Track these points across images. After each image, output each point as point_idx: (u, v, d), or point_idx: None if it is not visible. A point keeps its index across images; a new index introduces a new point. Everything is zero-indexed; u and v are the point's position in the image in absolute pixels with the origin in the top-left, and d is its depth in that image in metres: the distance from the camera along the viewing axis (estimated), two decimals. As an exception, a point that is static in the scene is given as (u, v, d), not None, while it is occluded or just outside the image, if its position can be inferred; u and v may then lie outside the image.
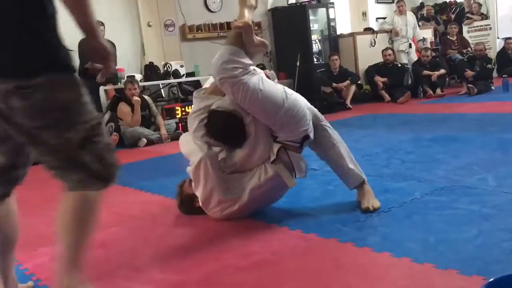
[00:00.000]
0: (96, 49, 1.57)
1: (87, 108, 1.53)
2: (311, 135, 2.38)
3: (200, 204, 2.43)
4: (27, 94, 1.38)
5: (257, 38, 2.25)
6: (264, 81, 2.23)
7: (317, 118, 2.50)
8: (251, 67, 2.23)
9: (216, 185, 2.32)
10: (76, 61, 6.13)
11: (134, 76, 6.32)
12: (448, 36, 8.98)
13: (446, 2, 10.78)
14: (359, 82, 7.83)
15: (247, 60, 2.20)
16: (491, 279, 1.31)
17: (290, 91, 2.34)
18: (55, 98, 1.44)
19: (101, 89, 6.44)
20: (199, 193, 2.39)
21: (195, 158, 2.35)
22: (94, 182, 1.51)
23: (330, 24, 8.38)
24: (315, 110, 2.54)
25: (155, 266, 1.98)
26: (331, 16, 8.41)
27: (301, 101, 2.38)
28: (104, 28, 6.43)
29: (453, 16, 10.01)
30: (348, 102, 7.24)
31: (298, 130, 2.30)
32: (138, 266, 2.01)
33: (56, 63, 1.46)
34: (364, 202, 2.38)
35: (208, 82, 2.59)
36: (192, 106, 2.54)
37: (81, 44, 6.42)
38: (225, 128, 2.34)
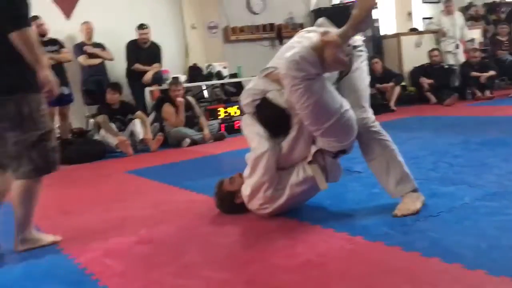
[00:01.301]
0: (41, 78, 2.29)
1: (43, 119, 2.31)
2: (349, 150, 2.38)
3: (248, 193, 2.44)
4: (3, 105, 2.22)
5: (340, 57, 2.16)
6: (326, 90, 2.19)
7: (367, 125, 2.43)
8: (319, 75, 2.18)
9: (271, 180, 2.37)
10: (123, 63, 6.27)
11: (178, 77, 6.44)
12: (498, 37, 8.68)
13: (495, 1, 10.42)
14: (403, 83, 7.69)
15: (316, 70, 2.13)
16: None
17: (347, 105, 2.26)
18: (21, 110, 2.23)
19: (147, 90, 6.60)
20: (251, 181, 2.41)
21: (260, 147, 2.37)
22: (35, 174, 2.30)
23: (373, 24, 8.28)
24: (368, 117, 2.45)
25: (202, 263, 2.02)
26: (375, 17, 8.31)
27: (353, 118, 2.30)
28: (148, 30, 6.59)
29: (503, 16, 9.66)
30: (392, 104, 7.13)
31: (337, 144, 2.30)
32: (185, 262, 2.05)
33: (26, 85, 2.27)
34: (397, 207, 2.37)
35: (275, 61, 2.48)
36: (253, 80, 2.55)
37: (128, 47, 6.64)
38: (271, 119, 2.39)
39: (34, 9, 6.16)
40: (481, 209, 2.32)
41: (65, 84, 5.89)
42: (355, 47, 2.46)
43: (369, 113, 2.46)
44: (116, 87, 5.91)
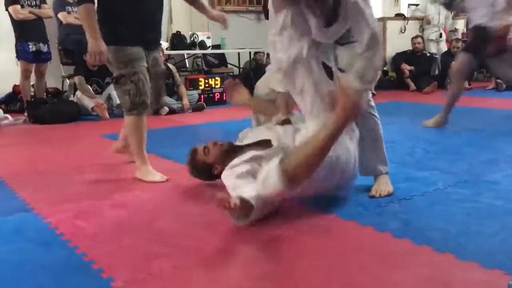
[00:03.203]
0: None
1: (114, 66, 2.74)
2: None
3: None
4: None
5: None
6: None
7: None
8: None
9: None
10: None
11: (160, 43, 6.31)
12: (480, 29, 8.76)
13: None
14: (385, 68, 7.73)
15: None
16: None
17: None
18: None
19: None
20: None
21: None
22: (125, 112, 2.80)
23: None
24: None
25: (175, 231, 2.01)
26: None
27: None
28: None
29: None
30: (372, 87, 7.15)
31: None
32: (158, 229, 2.03)
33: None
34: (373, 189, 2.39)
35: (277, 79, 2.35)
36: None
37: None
38: None
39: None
40: (453, 195, 2.37)
41: (44, 41, 5.71)
42: None
43: None
44: None
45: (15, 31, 5.58)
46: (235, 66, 7.73)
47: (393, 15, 8.68)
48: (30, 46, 5.54)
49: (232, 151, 2.43)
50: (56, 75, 6.39)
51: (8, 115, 5.25)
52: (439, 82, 7.40)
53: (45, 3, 5.77)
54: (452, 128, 4.19)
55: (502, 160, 3.00)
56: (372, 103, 2.45)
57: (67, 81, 6.30)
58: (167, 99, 5.81)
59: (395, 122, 4.67)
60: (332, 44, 2.29)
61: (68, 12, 6.14)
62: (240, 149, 2.41)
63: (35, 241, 1.95)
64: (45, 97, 5.88)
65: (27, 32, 5.53)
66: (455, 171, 2.80)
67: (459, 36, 8.42)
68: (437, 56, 7.92)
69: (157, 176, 2.81)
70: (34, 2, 5.62)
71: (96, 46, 2.54)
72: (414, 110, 5.53)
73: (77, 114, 5.41)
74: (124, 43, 2.68)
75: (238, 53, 7.56)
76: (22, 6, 5.49)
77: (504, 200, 2.27)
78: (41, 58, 5.66)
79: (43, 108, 5.28)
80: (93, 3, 2.58)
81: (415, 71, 7.47)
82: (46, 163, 3.38)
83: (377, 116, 2.46)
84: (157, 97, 3.03)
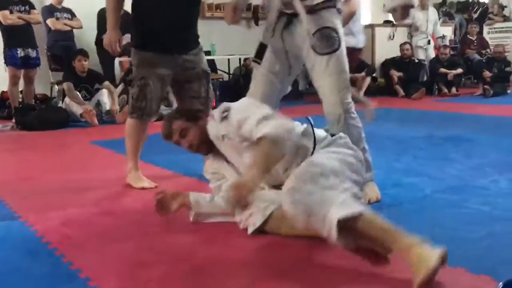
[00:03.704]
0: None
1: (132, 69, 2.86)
2: None
3: None
4: None
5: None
6: None
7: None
8: None
9: None
10: (93, 30, 6.13)
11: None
12: (468, 36, 8.87)
13: (468, 0, 10.63)
14: (374, 74, 7.78)
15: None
16: (507, 280, 1.31)
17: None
18: None
19: (116, 60, 6.43)
20: None
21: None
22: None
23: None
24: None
25: (164, 241, 2.00)
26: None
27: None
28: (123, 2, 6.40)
29: (474, 16, 9.88)
30: (361, 93, 7.20)
31: None
32: (146, 239, 2.02)
33: None
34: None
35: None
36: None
37: (99, 15, 6.43)
38: None
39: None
40: (441, 201, 2.39)
41: (33, 46, 5.68)
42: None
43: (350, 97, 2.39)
44: (86, 54, 5.74)
45: (3, 36, 5.55)
46: (225, 72, 7.74)
47: (381, 22, 8.75)
48: (18, 52, 5.51)
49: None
50: (44, 81, 6.35)
51: (-5, 122, 5.21)
52: (428, 88, 7.47)
53: (34, 8, 5.74)
54: (440, 134, 4.23)
55: (489, 166, 3.03)
56: (355, 114, 2.40)
57: (56, 87, 6.27)
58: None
59: (384, 128, 4.69)
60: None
61: (57, 18, 6.13)
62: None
63: (22, 249, 1.93)
64: (33, 103, 5.84)
65: (15, 38, 5.50)
66: (443, 177, 2.82)
67: (447, 43, 8.51)
68: (425, 63, 8.00)
69: (146, 183, 2.79)
70: (23, 8, 5.59)
71: (109, 36, 2.68)
72: (403, 116, 5.57)
73: (66, 120, 5.38)
74: (139, 47, 2.71)
75: (228, 59, 7.57)
76: (11, 12, 5.47)
77: (491, 205, 2.28)
78: (29, 64, 5.63)
79: (31, 115, 5.24)
80: None
81: (404, 77, 7.54)
82: (34, 170, 3.35)
83: (360, 125, 2.42)
84: (191, 101, 2.82)
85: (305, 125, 2.04)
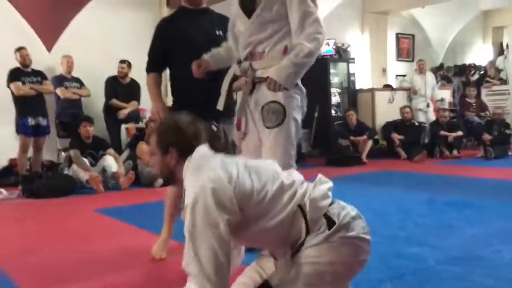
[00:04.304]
0: None
1: None
2: None
3: None
4: None
5: None
6: None
7: None
8: None
9: None
10: (102, 98, 6.32)
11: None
12: (466, 98, 9.07)
13: (465, 64, 10.95)
14: (375, 137, 7.90)
15: None
16: None
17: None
18: None
19: (123, 126, 6.60)
20: None
21: None
22: None
23: (350, 78, 8.58)
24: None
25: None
26: (351, 71, 8.63)
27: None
28: (130, 68, 6.67)
29: (472, 79, 10.15)
30: (364, 156, 7.29)
31: None
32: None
33: None
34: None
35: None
36: None
37: (107, 82, 6.67)
38: None
39: (20, 39, 6.24)
40: (444, 273, 2.38)
41: (44, 115, 5.87)
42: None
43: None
44: (91, 120, 5.92)
45: (15, 106, 5.74)
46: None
47: (381, 86, 8.98)
48: (29, 121, 5.68)
49: None
50: (52, 147, 6.48)
51: (2, 190, 5.26)
52: (429, 151, 7.55)
53: (46, 79, 5.97)
54: (442, 199, 4.25)
55: (492, 234, 3.03)
56: None
57: (63, 154, 6.38)
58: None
59: (387, 193, 4.74)
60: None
61: (66, 87, 6.35)
62: None
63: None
64: (40, 170, 5.92)
65: (27, 107, 5.69)
66: (446, 246, 2.82)
67: (446, 106, 8.69)
68: (425, 125, 8.13)
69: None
70: (35, 79, 5.82)
71: (154, 107, 2.85)
72: (405, 180, 5.61)
73: (72, 187, 5.43)
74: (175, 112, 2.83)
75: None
76: (23, 83, 5.69)
77: (495, 278, 2.28)
78: (39, 132, 5.80)
79: (38, 182, 5.30)
80: (157, 71, 2.85)
81: (405, 140, 7.64)
82: (38, 242, 3.37)
83: None
84: None
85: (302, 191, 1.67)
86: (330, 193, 1.68)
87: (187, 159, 1.67)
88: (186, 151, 1.69)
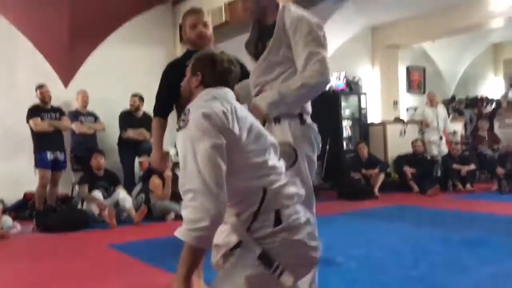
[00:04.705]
0: None
1: None
2: None
3: None
4: None
5: None
6: None
7: None
8: None
9: None
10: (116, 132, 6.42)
11: (168, 151, 6.55)
12: (479, 131, 9.04)
13: (477, 96, 10.95)
14: (387, 170, 7.88)
15: None
16: None
17: None
18: None
19: (136, 160, 6.68)
20: None
21: None
22: None
23: (361, 111, 8.63)
24: None
25: None
26: (363, 104, 8.68)
27: None
28: (142, 102, 6.79)
29: (485, 111, 10.13)
30: (376, 190, 7.26)
31: None
32: None
33: None
34: None
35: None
36: None
37: (121, 116, 6.79)
38: None
39: (38, 76, 6.43)
40: (458, 318, 2.36)
41: (62, 150, 6.00)
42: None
43: None
44: (102, 152, 6.07)
45: (34, 141, 5.88)
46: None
47: (392, 119, 9.01)
48: (48, 155, 5.81)
49: None
50: (66, 181, 6.56)
51: (17, 224, 5.33)
52: (442, 184, 7.50)
53: (64, 115, 6.12)
54: (456, 236, 4.21)
55: (506, 275, 3.00)
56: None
57: (77, 188, 6.46)
58: (174, 205, 5.89)
59: (399, 229, 4.71)
60: None
61: (81, 122, 6.48)
62: None
63: None
64: (54, 204, 6.00)
65: (45, 142, 5.84)
66: (460, 288, 2.80)
67: (458, 139, 8.67)
68: (438, 158, 8.09)
69: None
70: (54, 115, 5.97)
71: (153, 155, 2.87)
72: (418, 215, 5.57)
73: (85, 221, 5.49)
74: None
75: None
76: (42, 119, 5.84)
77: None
78: (57, 167, 5.92)
79: (52, 216, 5.37)
80: (163, 117, 2.85)
81: (417, 173, 7.60)
82: (51, 281, 3.39)
83: None
84: None
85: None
86: (295, 199, 1.74)
87: (206, 89, 1.81)
88: (208, 81, 1.83)
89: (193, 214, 1.55)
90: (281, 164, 1.83)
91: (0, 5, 6.38)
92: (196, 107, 1.69)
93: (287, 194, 1.72)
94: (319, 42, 2.22)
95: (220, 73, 1.83)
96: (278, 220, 1.65)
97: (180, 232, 1.56)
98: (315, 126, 2.36)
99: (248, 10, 2.38)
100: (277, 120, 2.25)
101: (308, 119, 2.33)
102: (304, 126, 2.29)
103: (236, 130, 1.66)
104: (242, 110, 1.78)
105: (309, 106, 2.36)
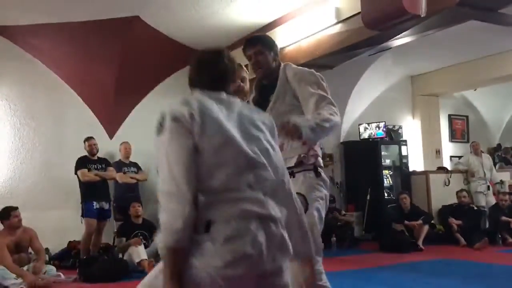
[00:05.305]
0: None
1: None
2: None
3: None
4: None
5: None
6: None
7: None
8: None
9: None
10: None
11: None
12: (528, 181, 8.69)
13: (525, 144, 10.60)
14: (432, 221, 7.62)
15: None
16: None
17: None
18: None
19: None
20: None
21: None
22: None
23: (402, 160, 8.48)
24: None
25: None
26: (403, 153, 8.54)
27: None
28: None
29: (533, 160, 9.77)
30: (420, 242, 7.00)
31: None
32: None
33: None
34: None
35: None
36: None
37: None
38: None
39: (86, 129, 6.68)
40: None
41: (107, 200, 6.19)
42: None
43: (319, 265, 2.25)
44: (139, 200, 6.28)
45: (81, 191, 6.09)
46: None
47: (435, 168, 8.79)
48: (94, 204, 5.99)
49: None
50: (108, 230, 6.68)
51: (61, 273, 5.43)
52: (490, 237, 7.15)
53: (110, 165, 6.34)
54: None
55: None
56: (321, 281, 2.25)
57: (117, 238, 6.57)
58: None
59: (447, 286, 4.49)
60: None
61: (124, 173, 6.66)
62: None
63: None
64: (97, 253, 6.10)
65: (92, 192, 6.04)
66: None
67: (506, 189, 8.33)
68: (485, 209, 7.78)
69: None
70: (100, 166, 6.19)
71: None
72: (465, 271, 5.31)
73: (126, 271, 5.53)
74: None
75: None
76: (89, 170, 6.06)
77: None
78: (102, 216, 6.09)
79: (94, 266, 5.45)
80: None
81: (463, 225, 7.30)
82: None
83: None
84: None
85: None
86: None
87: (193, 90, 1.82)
88: (194, 83, 1.84)
89: (167, 217, 1.57)
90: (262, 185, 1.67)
91: (52, 61, 6.79)
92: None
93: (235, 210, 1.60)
94: (324, 89, 2.35)
95: (216, 78, 1.83)
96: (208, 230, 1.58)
97: (158, 237, 1.59)
98: (327, 180, 2.42)
99: (262, 68, 2.48)
100: (291, 175, 2.26)
101: (323, 173, 2.40)
102: (319, 179, 2.36)
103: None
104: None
105: (321, 160, 2.44)
